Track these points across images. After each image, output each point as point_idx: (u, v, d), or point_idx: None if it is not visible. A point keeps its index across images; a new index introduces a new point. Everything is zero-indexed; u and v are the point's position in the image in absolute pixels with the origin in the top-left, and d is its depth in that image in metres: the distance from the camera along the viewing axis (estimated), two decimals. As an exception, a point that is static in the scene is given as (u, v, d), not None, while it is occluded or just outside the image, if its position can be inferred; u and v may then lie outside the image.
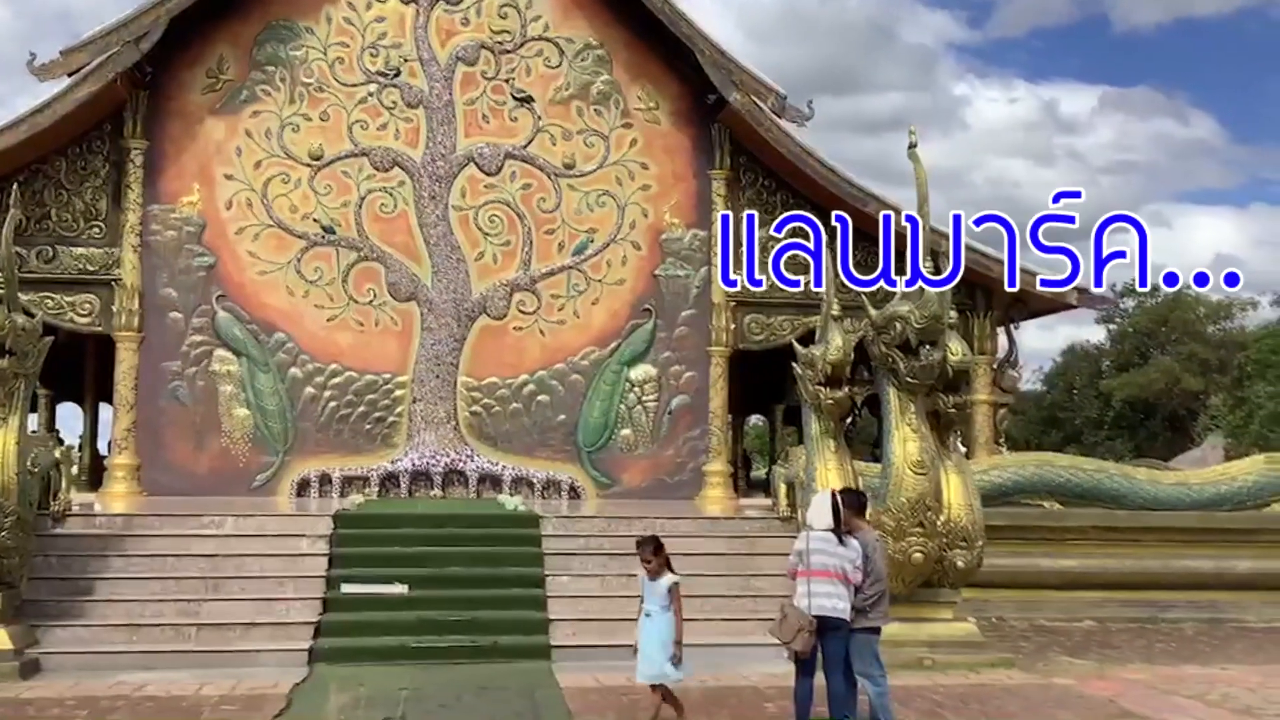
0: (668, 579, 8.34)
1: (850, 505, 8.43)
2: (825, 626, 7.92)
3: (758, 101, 17.33)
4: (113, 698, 9.29)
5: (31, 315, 11.23)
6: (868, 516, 11.15)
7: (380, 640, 11.11)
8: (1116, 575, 14.84)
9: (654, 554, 8.39)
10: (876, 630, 8.28)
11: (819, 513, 8.23)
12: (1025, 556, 14.45)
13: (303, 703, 9.18)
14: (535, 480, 17.32)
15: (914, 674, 10.56)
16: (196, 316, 17.04)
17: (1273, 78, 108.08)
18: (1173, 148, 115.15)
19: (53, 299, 16.47)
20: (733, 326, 18.02)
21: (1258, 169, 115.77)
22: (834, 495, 8.48)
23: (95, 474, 19.94)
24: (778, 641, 8.14)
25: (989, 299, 18.66)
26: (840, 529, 8.15)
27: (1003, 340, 19.06)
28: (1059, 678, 10.71)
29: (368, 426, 17.26)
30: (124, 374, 16.81)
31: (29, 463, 11.10)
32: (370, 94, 17.67)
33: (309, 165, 17.41)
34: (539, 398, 17.64)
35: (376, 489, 16.95)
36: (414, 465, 17.13)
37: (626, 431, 17.81)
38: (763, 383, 24.34)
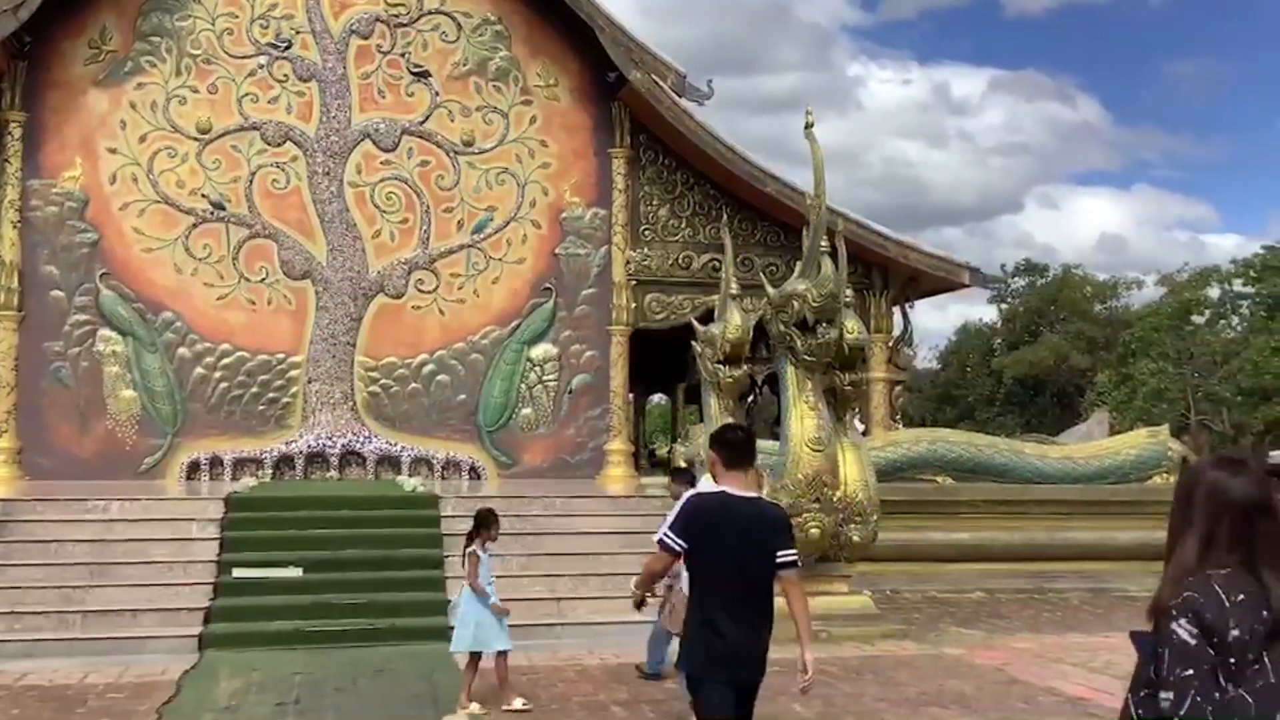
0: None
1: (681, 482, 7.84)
2: None
3: (657, 80, 17.32)
4: (-9, 689, 8.97)
5: (-100, 293, 10.76)
6: (765, 493, 11.30)
7: (273, 625, 10.90)
8: (1005, 548, 15.22)
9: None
10: None
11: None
12: (918, 530, 14.74)
13: (192, 689, 8.96)
14: (435, 461, 17.15)
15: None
16: (79, 295, 16.48)
17: (1153, 62, 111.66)
18: (1060, 130, 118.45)
19: (-75, 276, 15.80)
20: (633, 305, 18.03)
21: (1140, 151, 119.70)
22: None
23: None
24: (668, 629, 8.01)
25: (885, 278, 18.96)
26: None
27: (898, 319, 19.41)
28: (950, 648, 10.95)
29: (261, 407, 16.90)
30: (3, 355, 16.21)
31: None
32: (260, 66, 17.23)
33: (196, 139, 16.93)
34: (438, 377, 17.45)
35: (270, 471, 16.62)
36: (309, 447, 16.83)
37: (527, 411, 17.72)
38: (664, 361, 24.41)
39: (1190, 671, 2.63)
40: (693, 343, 12.24)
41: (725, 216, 17.38)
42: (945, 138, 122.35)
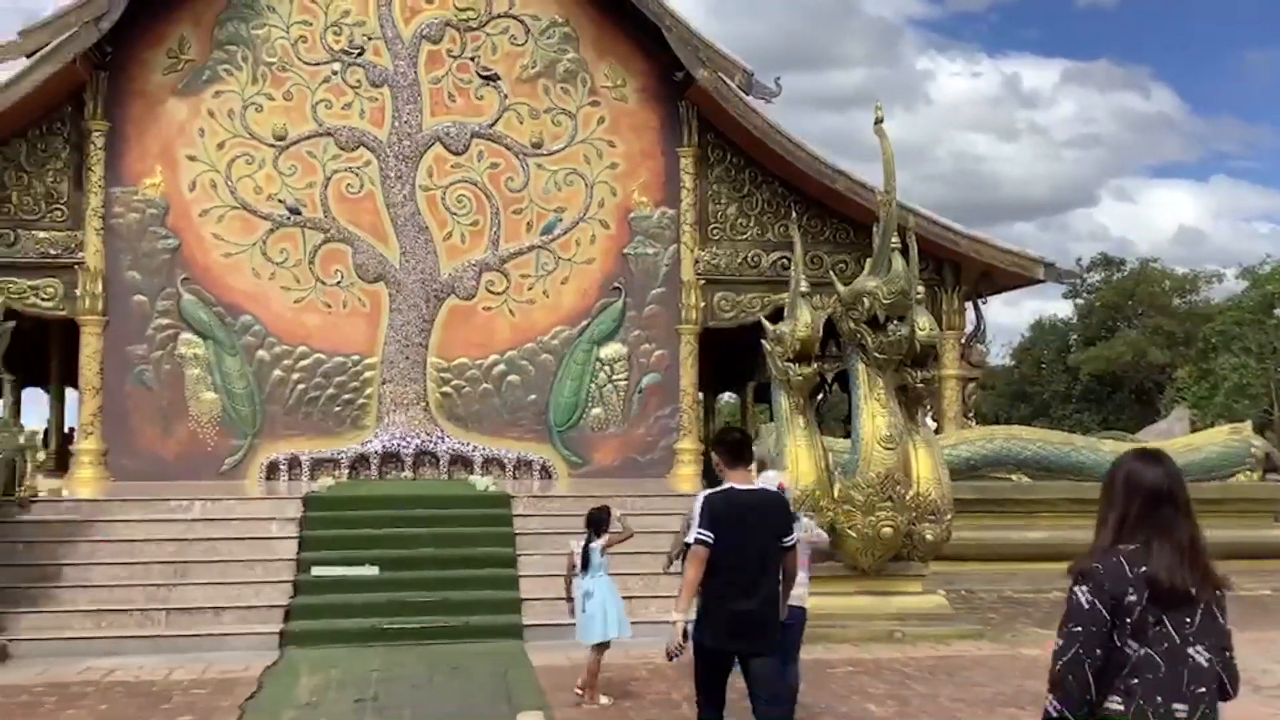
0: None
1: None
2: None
3: (725, 78, 17.30)
4: (82, 684, 9.24)
5: (-8, 300, 11.11)
6: (837, 493, 11.25)
7: (351, 622, 11.08)
8: (1083, 546, 14.96)
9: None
10: None
11: None
12: (994, 529, 14.56)
13: (273, 686, 9.15)
14: (506, 460, 17.30)
15: (884, 647, 10.65)
16: (161, 299, 16.88)
17: (1229, 50, 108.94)
18: (1134, 121, 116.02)
19: (15, 283, 16.29)
20: (702, 304, 18.03)
21: (1217, 142, 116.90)
22: (781, 486, 7.84)
23: (62, 459, 19.76)
24: None
25: (956, 274, 18.75)
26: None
27: (970, 315, 19.18)
28: (1026, 648, 10.82)
29: (337, 409, 17.17)
30: (89, 358, 16.65)
31: (-8, 449, 10.98)
32: (334, 73, 17.51)
33: (273, 145, 17.25)
34: (509, 378, 17.60)
35: (347, 471, 16.88)
36: (384, 447, 17.06)
37: (597, 410, 17.81)
38: (734, 360, 24.38)
39: (1079, 628, 3.13)
40: (762, 341, 12.21)
41: (794, 214, 17.36)
42: (1016, 131, 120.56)
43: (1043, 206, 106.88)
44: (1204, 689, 3.14)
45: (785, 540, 5.87)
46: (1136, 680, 3.12)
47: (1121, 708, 3.12)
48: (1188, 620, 3.16)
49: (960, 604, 12.77)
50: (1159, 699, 3.10)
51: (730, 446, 6.00)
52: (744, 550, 5.73)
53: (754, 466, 14.34)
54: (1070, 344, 50.35)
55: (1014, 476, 15.74)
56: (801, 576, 7.66)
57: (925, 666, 9.89)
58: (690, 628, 5.82)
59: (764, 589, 5.77)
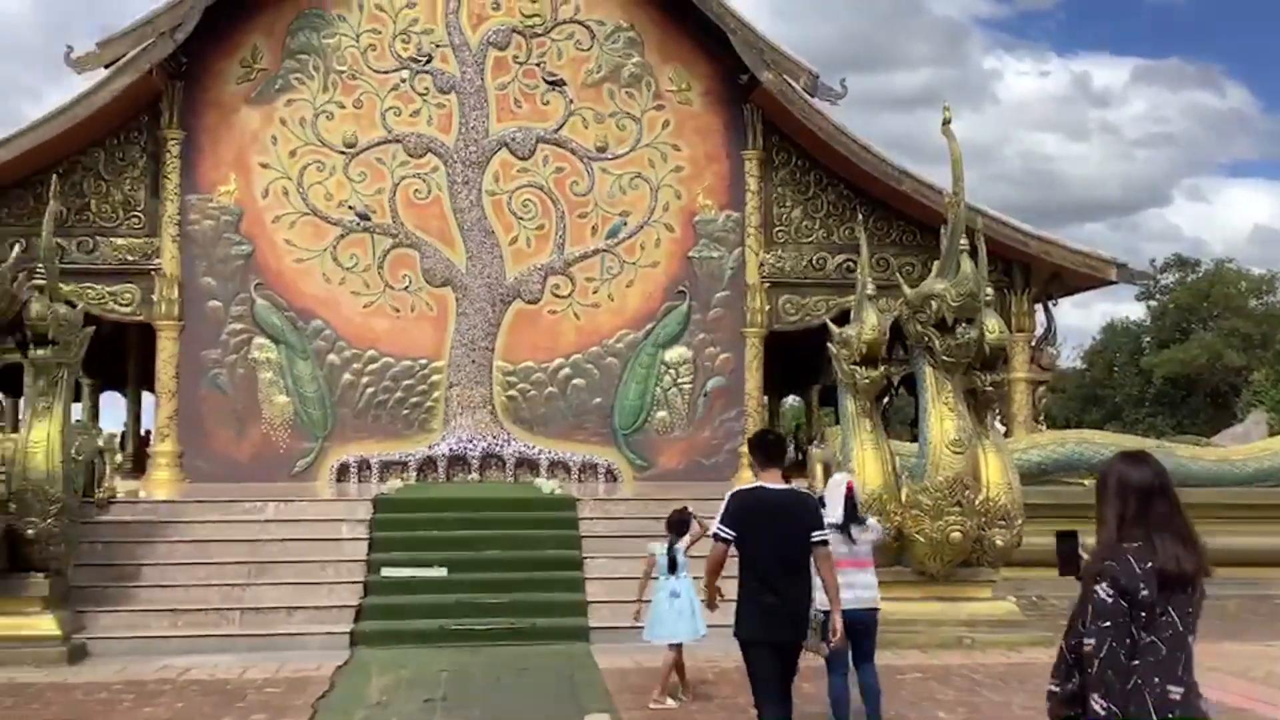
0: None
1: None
2: (854, 619, 7.11)
3: (790, 81, 17.25)
4: (159, 682, 9.42)
5: (73, 306, 11.40)
6: (904, 497, 11.16)
7: (420, 623, 11.20)
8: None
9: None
10: None
11: (832, 504, 7.66)
12: (1065, 535, 14.32)
13: (345, 685, 9.28)
14: (572, 463, 17.38)
15: (953, 653, 10.53)
16: (235, 304, 17.21)
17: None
18: (1208, 119, 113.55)
19: (94, 289, 16.70)
20: (767, 307, 17.99)
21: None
22: (849, 486, 7.94)
23: (139, 461, 20.21)
24: None
25: (1026, 275, 18.51)
26: (852, 522, 7.66)
27: (1040, 317, 18.92)
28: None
29: (405, 412, 17.38)
30: (165, 362, 17.02)
31: (73, 451, 11.26)
32: (403, 80, 17.73)
33: (343, 152, 17.52)
34: (574, 381, 17.69)
35: (415, 473, 17.07)
36: (451, 450, 17.23)
37: (662, 414, 17.83)
38: (798, 363, 24.27)
39: (1108, 623, 3.35)
40: (828, 344, 12.15)
41: (860, 216, 17.24)
42: (1086, 130, 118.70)
43: (1114, 207, 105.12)
44: (1194, 673, 3.42)
45: (815, 536, 6.00)
46: (1138, 662, 3.37)
47: (1118, 685, 3.36)
48: (1189, 610, 3.43)
49: (1031, 610, 12.57)
50: (1156, 680, 3.35)
51: (765, 448, 6.21)
52: (775, 546, 5.90)
53: (819, 469, 14.30)
54: (1143, 346, 49.45)
55: (1086, 481, 15.46)
56: (869, 578, 7.64)
57: (996, 673, 9.77)
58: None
59: (795, 583, 5.93)
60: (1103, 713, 3.30)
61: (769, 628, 5.89)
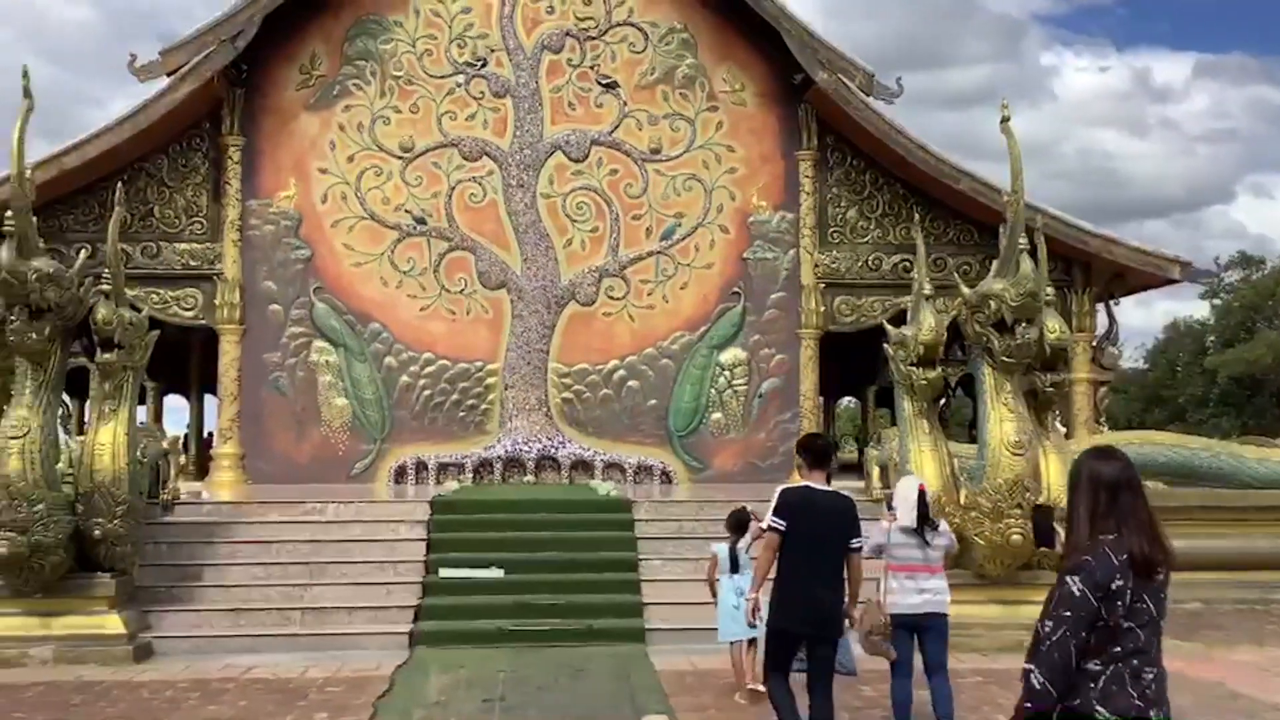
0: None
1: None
2: (924, 623, 7.34)
3: (845, 80, 17.15)
4: (222, 680, 9.57)
5: (138, 310, 11.62)
6: (964, 499, 11.05)
7: (478, 624, 11.27)
8: (1223, 556, 14.39)
9: None
10: None
11: (904, 507, 7.58)
12: (1128, 538, 14.10)
13: (404, 685, 9.37)
14: (627, 465, 17.40)
15: (1015, 657, 10.31)
16: (295, 308, 17.43)
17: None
18: (1272, 114, 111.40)
19: (158, 294, 16.99)
20: (822, 308, 17.90)
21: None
22: (922, 488, 7.82)
23: (201, 463, 20.54)
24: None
25: (1087, 274, 18.26)
26: (926, 526, 7.55)
27: (1102, 317, 18.65)
28: (1165, 660, 10.45)
29: (461, 414, 17.50)
30: (227, 365, 17.28)
31: (139, 453, 11.46)
32: (458, 85, 17.87)
33: (400, 157, 17.69)
34: (629, 383, 17.72)
35: (471, 475, 17.18)
36: (507, 452, 17.32)
37: (717, 415, 17.81)
38: (854, 364, 24.11)
39: (1068, 613, 3.56)
40: (885, 345, 12.06)
41: (916, 216, 17.09)
42: (1146, 126, 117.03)
43: (1176, 204, 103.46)
44: (1162, 655, 3.71)
45: (853, 542, 6.45)
46: (1119, 648, 3.59)
47: (1100, 668, 3.60)
48: (1161, 596, 3.66)
49: (1093, 614, 12.39)
50: (1135, 663, 3.60)
51: (814, 452, 6.70)
52: (814, 543, 6.36)
53: (876, 470, 14.19)
54: (1207, 346, 48.56)
55: (1150, 483, 15.21)
56: (941, 583, 7.56)
57: (1057, 678, 9.63)
58: (764, 609, 6.62)
59: (830, 581, 6.40)
60: (1037, 685, 3.56)
61: (803, 622, 6.41)
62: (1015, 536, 10.80)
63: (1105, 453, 3.90)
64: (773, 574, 6.64)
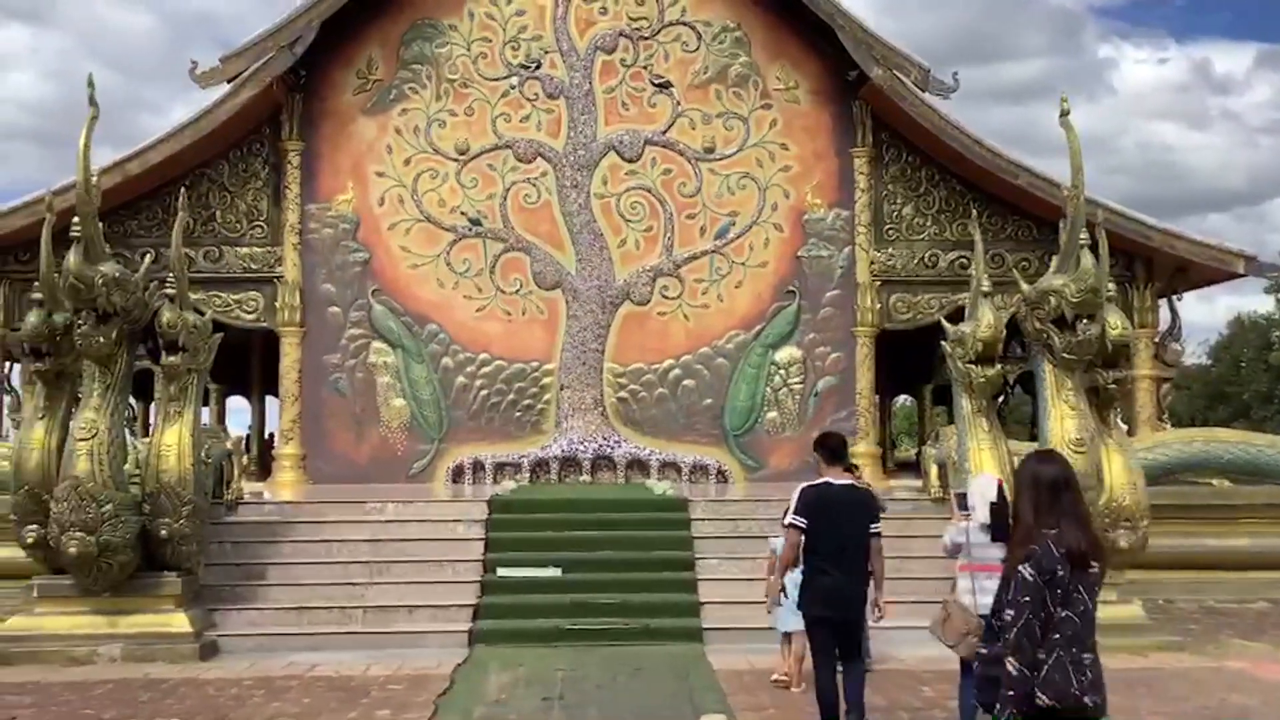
0: None
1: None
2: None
3: (900, 76, 17.03)
4: (286, 678, 9.70)
5: (202, 313, 11.81)
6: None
7: (536, 622, 11.34)
8: (1291, 555, 14.16)
9: None
10: None
11: (983, 506, 7.32)
12: (1193, 536, 13.89)
13: (464, 683, 9.44)
14: (682, 464, 17.40)
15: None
16: (354, 310, 17.62)
17: None
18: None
19: (220, 297, 17.26)
20: (878, 306, 17.78)
21: None
22: (1000, 484, 7.58)
23: (264, 463, 20.84)
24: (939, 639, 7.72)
25: (1149, 269, 17.98)
26: (1000, 521, 7.10)
27: (1164, 312, 18.36)
28: (1231, 660, 10.29)
29: (517, 414, 17.59)
30: (288, 367, 17.51)
31: (203, 454, 11.66)
32: (512, 87, 17.97)
33: (455, 160, 17.82)
34: (684, 382, 17.71)
35: (528, 475, 17.26)
36: (563, 451, 17.39)
37: (773, 414, 17.75)
38: (910, 362, 23.94)
39: (1027, 599, 3.98)
40: (942, 343, 11.95)
41: (974, 212, 16.92)
42: (1207, 118, 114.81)
43: (1239, 197, 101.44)
44: (1096, 639, 4.07)
45: (872, 528, 7.01)
46: (1058, 635, 3.97)
47: (1043, 656, 3.97)
48: (1096, 587, 4.07)
49: (1158, 614, 12.23)
50: (1074, 649, 3.97)
51: (831, 448, 7.26)
52: (835, 535, 6.91)
53: (934, 469, 14.05)
54: (1272, 341, 47.55)
55: (1214, 481, 14.97)
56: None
57: (1121, 678, 9.47)
58: (787, 592, 7.45)
59: (852, 568, 6.95)
60: (1015, 672, 3.95)
61: (828, 605, 6.94)
62: (1077, 535, 10.64)
63: (1046, 456, 4.40)
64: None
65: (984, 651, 4.16)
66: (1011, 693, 3.96)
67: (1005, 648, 4.00)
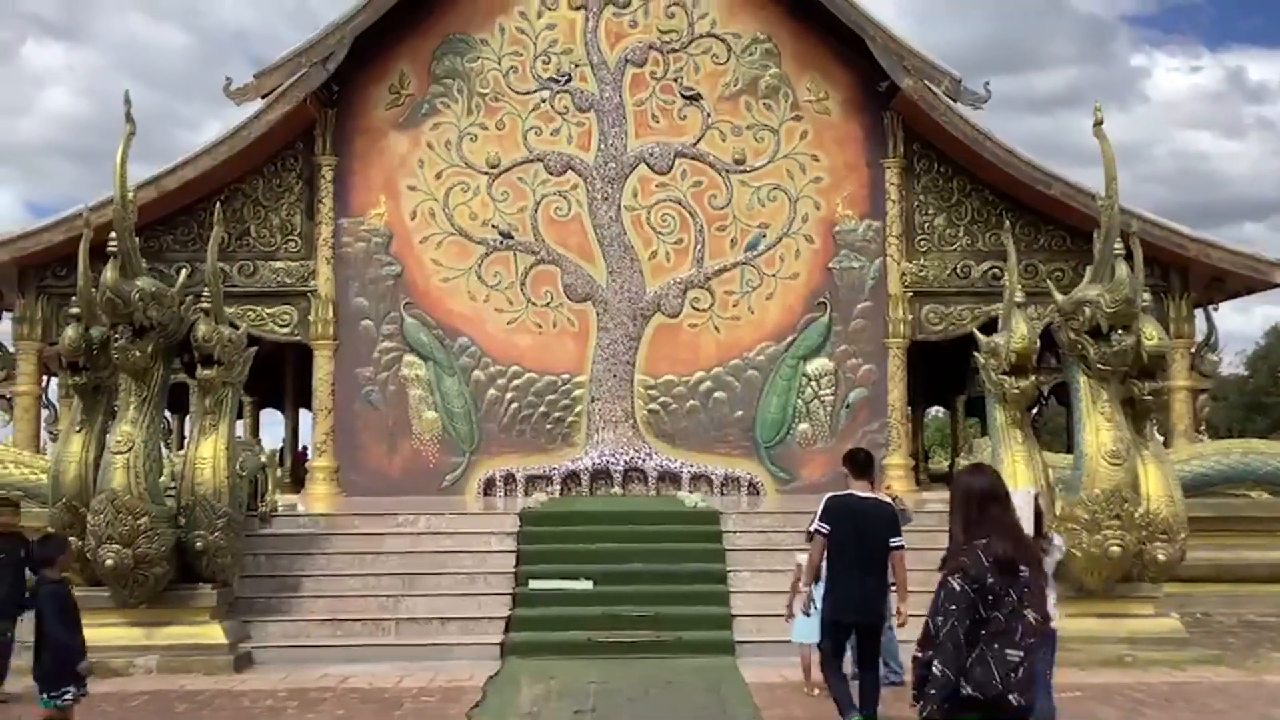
0: None
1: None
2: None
3: (931, 86, 16.97)
4: (320, 689, 9.74)
5: (236, 327, 11.90)
6: (1060, 510, 10.84)
7: (567, 635, 11.32)
8: (1333, 568, 13.95)
9: None
10: None
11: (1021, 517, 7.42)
12: (1231, 549, 13.71)
13: (497, 695, 9.45)
14: (714, 477, 17.37)
15: (1114, 671, 10.17)
16: (386, 324, 17.72)
17: None
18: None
19: (254, 311, 17.40)
20: (910, 317, 17.70)
21: None
22: (1037, 498, 7.62)
23: (297, 476, 20.95)
24: None
25: (1184, 279, 17.81)
26: (1039, 537, 7.18)
27: (1201, 323, 18.17)
28: (1271, 675, 10.14)
29: (549, 426, 17.62)
30: (321, 380, 17.62)
31: (238, 466, 11.73)
32: (543, 100, 18.05)
33: (487, 173, 17.91)
34: (715, 394, 17.69)
35: (559, 487, 17.28)
36: (594, 464, 17.40)
37: (804, 426, 17.70)
38: (942, 373, 23.79)
39: (954, 607, 4.15)
40: (975, 354, 11.87)
41: (1007, 222, 16.80)
42: (1242, 127, 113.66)
43: (1275, 205, 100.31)
44: (1033, 639, 4.19)
45: (893, 541, 7.35)
46: (985, 633, 4.15)
47: (972, 654, 4.16)
48: (1026, 589, 4.22)
49: (1196, 628, 12.07)
50: (997, 646, 4.14)
51: (858, 463, 7.65)
52: (856, 543, 7.30)
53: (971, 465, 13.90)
54: (1312, 351, 46.97)
55: (1253, 493, 14.78)
56: (1053, 596, 7.33)
57: (1159, 693, 9.40)
58: (817, 600, 7.63)
59: (872, 576, 7.34)
60: (939, 674, 4.11)
61: (846, 608, 7.34)
62: (1114, 548, 10.56)
63: (977, 469, 4.63)
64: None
65: (918, 656, 4.24)
66: (934, 692, 4.12)
67: (932, 651, 4.17)
